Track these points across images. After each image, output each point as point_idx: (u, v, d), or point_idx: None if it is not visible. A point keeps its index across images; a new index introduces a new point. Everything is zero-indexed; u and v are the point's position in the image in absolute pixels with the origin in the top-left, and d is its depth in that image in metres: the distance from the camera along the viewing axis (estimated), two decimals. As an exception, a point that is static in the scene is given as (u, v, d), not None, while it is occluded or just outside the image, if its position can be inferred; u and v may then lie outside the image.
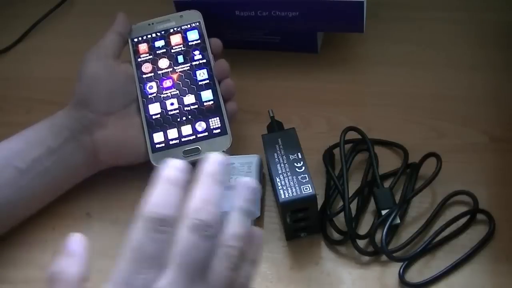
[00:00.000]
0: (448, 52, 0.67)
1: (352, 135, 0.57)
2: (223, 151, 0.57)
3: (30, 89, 0.71)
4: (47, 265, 0.55)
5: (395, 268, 0.51)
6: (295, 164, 0.52)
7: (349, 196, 0.53)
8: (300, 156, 0.53)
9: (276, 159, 0.53)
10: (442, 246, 0.52)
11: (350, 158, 0.57)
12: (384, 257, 0.52)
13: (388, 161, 0.58)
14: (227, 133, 0.58)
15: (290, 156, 0.53)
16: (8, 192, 0.54)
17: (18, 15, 0.80)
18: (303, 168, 0.52)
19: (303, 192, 0.50)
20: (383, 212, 0.53)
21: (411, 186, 0.55)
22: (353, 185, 0.55)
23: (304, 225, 0.53)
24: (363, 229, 0.54)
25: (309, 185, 0.51)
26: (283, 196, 0.51)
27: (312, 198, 0.51)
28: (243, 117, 0.62)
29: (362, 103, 0.64)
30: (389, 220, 0.52)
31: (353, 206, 0.54)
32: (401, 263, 0.51)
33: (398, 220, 0.53)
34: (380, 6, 0.71)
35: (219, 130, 0.58)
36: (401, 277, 0.50)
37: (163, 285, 0.33)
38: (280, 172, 0.52)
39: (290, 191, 0.51)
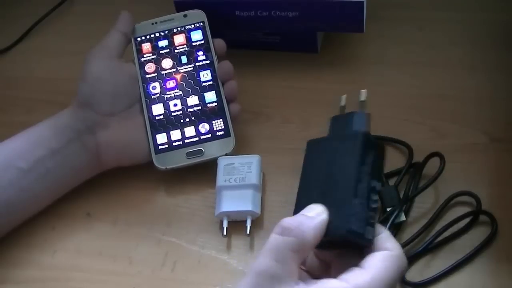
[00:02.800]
0: (448, 52, 0.67)
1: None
2: (225, 154, 0.57)
3: (30, 89, 0.71)
4: (47, 265, 0.56)
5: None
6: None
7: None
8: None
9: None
10: (443, 246, 0.52)
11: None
12: (384, 257, 0.52)
13: (390, 160, 0.58)
14: (230, 135, 0.58)
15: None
16: (10, 192, 0.54)
17: (18, 15, 0.80)
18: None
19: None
20: (389, 210, 0.53)
21: (414, 185, 0.55)
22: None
23: None
24: (364, 229, 0.54)
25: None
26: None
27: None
28: (243, 117, 0.62)
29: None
30: (391, 218, 0.52)
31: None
32: (402, 263, 0.51)
33: (403, 218, 0.53)
34: (380, 6, 0.71)
35: (222, 132, 0.58)
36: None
37: None
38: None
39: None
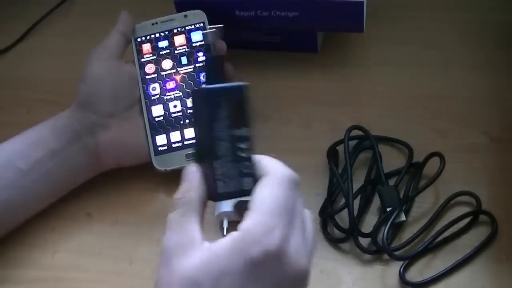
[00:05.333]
0: (448, 52, 0.67)
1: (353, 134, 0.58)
2: None
3: (30, 89, 0.71)
4: (47, 265, 0.56)
5: (395, 268, 0.51)
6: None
7: (353, 193, 0.53)
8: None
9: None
10: (443, 246, 0.52)
11: (354, 155, 0.58)
12: (385, 256, 0.52)
13: (390, 160, 0.58)
14: None
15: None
16: (9, 193, 0.54)
17: (18, 15, 0.80)
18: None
19: None
20: (389, 209, 0.53)
21: (414, 185, 0.55)
22: (356, 184, 0.55)
23: None
24: (365, 228, 0.54)
25: None
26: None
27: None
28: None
29: (362, 103, 0.64)
30: (391, 218, 0.52)
31: (355, 205, 0.54)
32: (402, 262, 0.51)
33: (403, 218, 0.53)
34: (380, 6, 0.71)
35: None
36: (402, 276, 0.50)
37: None
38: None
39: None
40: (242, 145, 0.39)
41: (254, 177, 0.39)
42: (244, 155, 0.39)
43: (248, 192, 0.38)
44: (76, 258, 0.56)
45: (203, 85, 0.40)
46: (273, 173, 0.38)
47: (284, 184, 0.37)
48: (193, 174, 0.39)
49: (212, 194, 0.39)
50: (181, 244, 0.36)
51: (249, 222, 0.36)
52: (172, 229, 0.37)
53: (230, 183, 0.39)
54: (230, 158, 0.39)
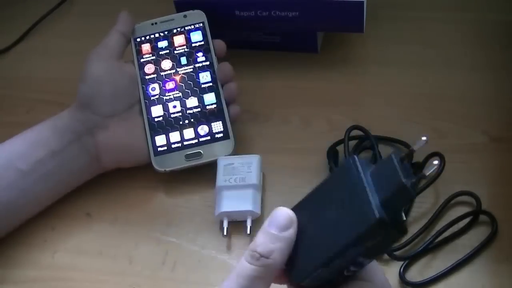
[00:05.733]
0: (448, 52, 0.67)
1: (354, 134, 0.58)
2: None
3: (30, 89, 0.71)
4: (46, 265, 0.56)
5: (395, 268, 0.51)
6: None
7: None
8: None
9: None
10: (443, 246, 0.52)
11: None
12: (385, 256, 0.52)
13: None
14: (229, 138, 0.58)
15: None
16: (9, 194, 0.54)
17: (18, 15, 0.80)
18: None
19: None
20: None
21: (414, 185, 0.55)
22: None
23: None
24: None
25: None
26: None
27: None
28: (243, 117, 0.62)
29: (362, 103, 0.64)
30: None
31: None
32: (402, 262, 0.51)
33: (403, 218, 0.52)
34: (380, 6, 0.71)
35: (221, 134, 0.58)
36: (402, 276, 0.50)
37: None
38: None
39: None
40: (353, 268, 0.37)
41: None
42: (348, 274, 0.37)
43: None
44: (76, 257, 0.56)
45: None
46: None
47: None
48: (287, 227, 0.36)
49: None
50: None
51: None
52: (240, 283, 0.36)
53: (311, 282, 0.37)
54: (335, 273, 0.36)
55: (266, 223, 0.37)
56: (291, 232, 0.36)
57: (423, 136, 0.34)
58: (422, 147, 0.35)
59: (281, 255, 0.36)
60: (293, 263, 0.37)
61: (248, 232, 0.54)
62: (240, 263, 0.37)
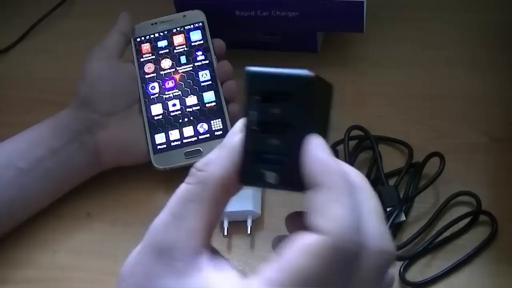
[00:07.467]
0: (448, 52, 0.67)
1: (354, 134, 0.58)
2: None
3: (30, 89, 0.71)
4: (47, 265, 0.56)
5: (396, 268, 0.51)
6: None
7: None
8: None
9: None
10: (443, 246, 0.52)
11: (354, 155, 0.58)
12: (384, 257, 0.52)
13: (390, 160, 0.58)
14: None
15: None
16: (9, 192, 0.54)
17: (18, 15, 0.80)
18: None
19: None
20: (389, 210, 0.53)
21: (414, 185, 0.55)
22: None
23: (277, 148, 0.31)
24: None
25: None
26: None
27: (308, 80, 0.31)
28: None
29: (362, 103, 0.64)
30: (392, 218, 0.52)
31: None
32: (402, 262, 0.51)
33: (403, 218, 0.53)
34: (380, 6, 0.71)
35: (221, 132, 0.58)
36: (402, 276, 0.50)
37: None
38: None
39: None
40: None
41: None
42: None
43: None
44: (76, 257, 0.56)
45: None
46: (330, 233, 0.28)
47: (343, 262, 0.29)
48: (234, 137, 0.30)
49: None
50: (170, 242, 0.30)
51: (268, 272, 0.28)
52: (171, 208, 0.31)
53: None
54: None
55: None
56: (236, 139, 0.30)
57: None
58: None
59: (220, 165, 0.30)
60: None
61: (249, 232, 0.54)
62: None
